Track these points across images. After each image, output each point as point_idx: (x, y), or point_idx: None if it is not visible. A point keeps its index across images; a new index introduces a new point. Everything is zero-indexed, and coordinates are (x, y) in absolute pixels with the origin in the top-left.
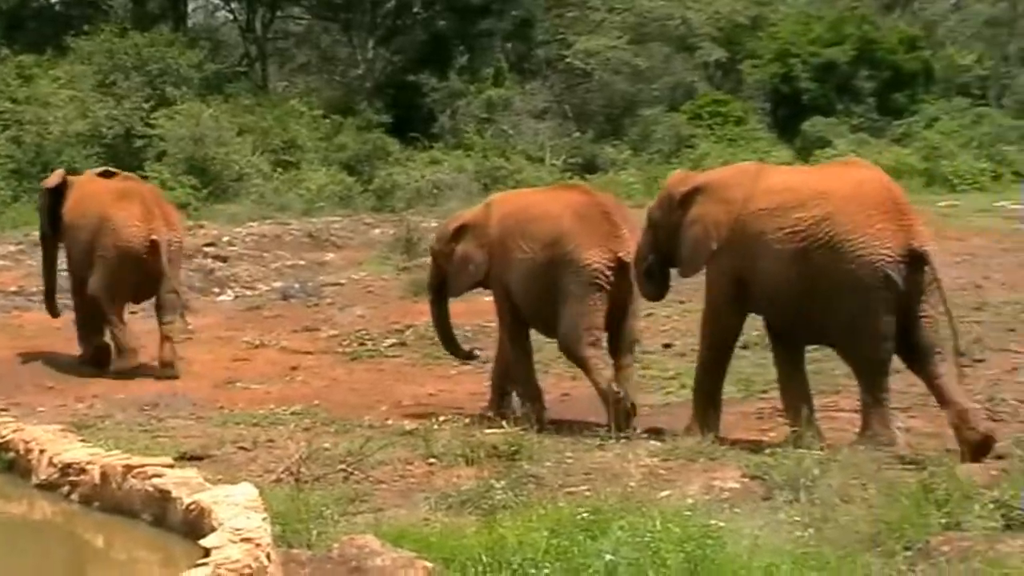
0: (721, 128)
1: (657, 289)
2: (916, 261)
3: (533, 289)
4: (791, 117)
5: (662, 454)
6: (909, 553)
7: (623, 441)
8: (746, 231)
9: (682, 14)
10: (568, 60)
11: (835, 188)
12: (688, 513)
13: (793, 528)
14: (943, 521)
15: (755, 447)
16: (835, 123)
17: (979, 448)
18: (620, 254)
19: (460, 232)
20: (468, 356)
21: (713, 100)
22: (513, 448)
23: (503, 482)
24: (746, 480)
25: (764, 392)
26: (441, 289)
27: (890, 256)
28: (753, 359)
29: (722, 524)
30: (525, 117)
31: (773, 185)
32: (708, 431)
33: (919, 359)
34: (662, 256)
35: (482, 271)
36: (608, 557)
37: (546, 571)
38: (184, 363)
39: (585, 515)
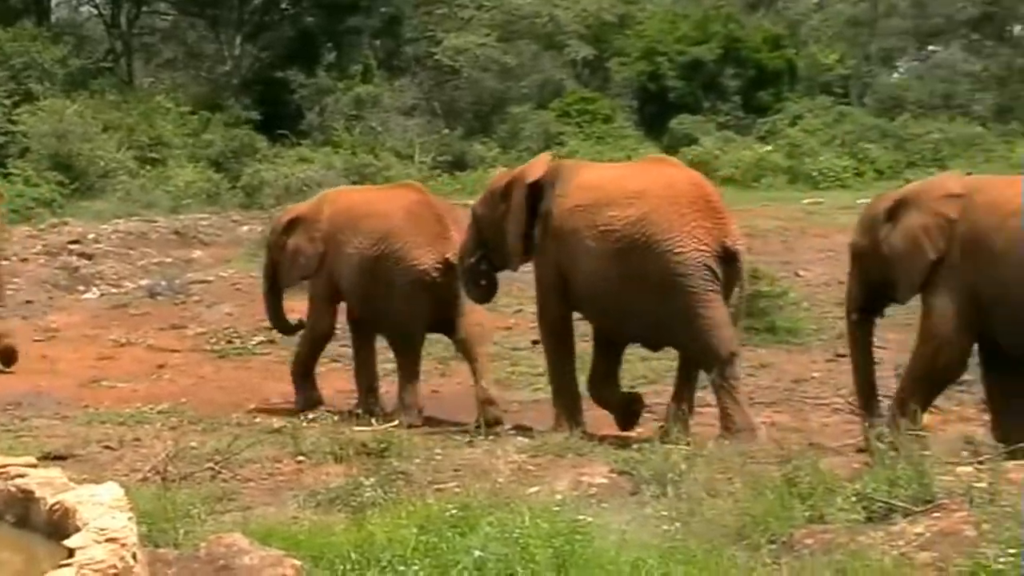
0: (589, 126)
1: (483, 292)
2: (730, 259)
3: (361, 284)
4: (658, 115)
5: (531, 450)
6: (774, 546)
7: (491, 438)
8: (563, 228)
9: (550, 12)
10: (437, 57)
11: (649, 187)
12: (556, 509)
13: (660, 522)
14: (807, 514)
15: (623, 443)
16: (701, 121)
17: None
18: (448, 255)
19: (292, 225)
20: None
21: (581, 98)
22: (382, 445)
23: (372, 479)
24: (614, 475)
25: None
26: (274, 279)
27: (708, 252)
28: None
29: (590, 519)
30: (394, 114)
31: (586, 182)
32: (575, 426)
33: None
34: (487, 253)
35: (313, 264)
36: (477, 553)
37: (415, 568)
38: (48, 362)
39: (454, 511)
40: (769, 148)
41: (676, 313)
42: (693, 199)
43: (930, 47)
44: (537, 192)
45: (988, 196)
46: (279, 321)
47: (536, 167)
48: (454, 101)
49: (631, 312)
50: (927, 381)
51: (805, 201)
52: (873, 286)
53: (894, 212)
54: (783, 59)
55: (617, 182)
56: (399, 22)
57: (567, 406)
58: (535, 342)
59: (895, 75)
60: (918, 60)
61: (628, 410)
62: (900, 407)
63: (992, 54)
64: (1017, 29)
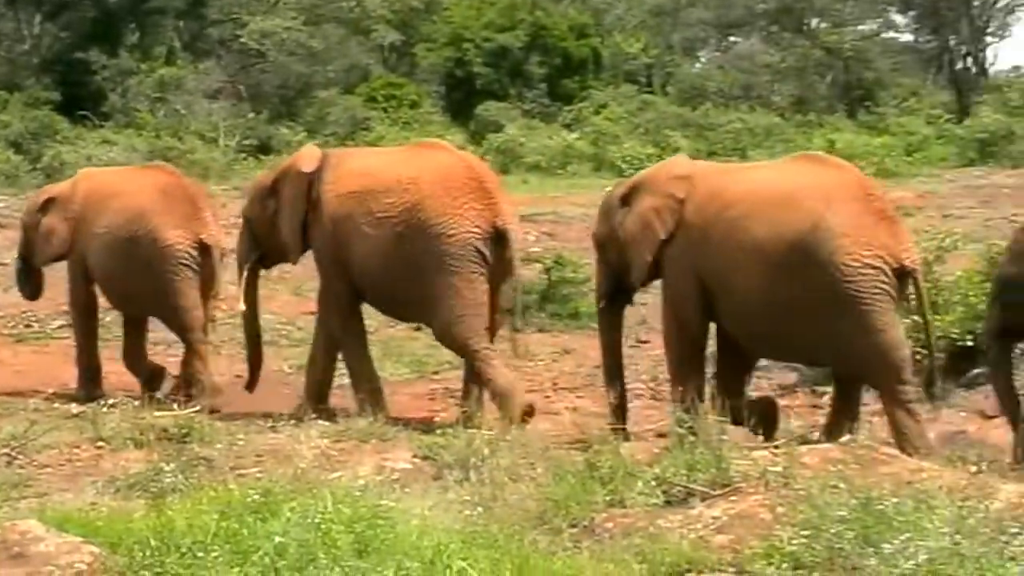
0: (396, 111)
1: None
2: (501, 238)
3: (111, 264)
4: (464, 101)
5: (334, 435)
6: (575, 530)
7: (295, 423)
8: (338, 215)
9: None
10: (242, 40)
11: (422, 173)
12: (359, 494)
13: (463, 507)
14: (607, 498)
15: (427, 428)
16: (507, 108)
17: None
18: (202, 236)
19: (47, 205)
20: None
21: (388, 83)
22: (184, 431)
23: (173, 465)
24: (417, 460)
25: (436, 373)
26: (28, 258)
27: (478, 233)
28: (426, 341)
29: (392, 504)
30: (198, 97)
31: (358, 169)
32: (379, 411)
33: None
34: (263, 253)
35: (65, 244)
36: (278, 539)
37: (215, 554)
38: None
39: (255, 497)
40: (575, 135)
41: (443, 292)
42: (465, 182)
43: (731, 38)
44: (311, 182)
45: (719, 179)
46: (30, 293)
47: (309, 158)
48: (260, 85)
49: (405, 293)
50: (685, 364)
51: (609, 188)
52: (615, 273)
53: (628, 198)
54: (588, 47)
55: (391, 168)
56: (204, 3)
57: (365, 391)
58: None
59: (697, 65)
60: (719, 51)
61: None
62: (680, 398)
63: (790, 46)
64: (814, 22)
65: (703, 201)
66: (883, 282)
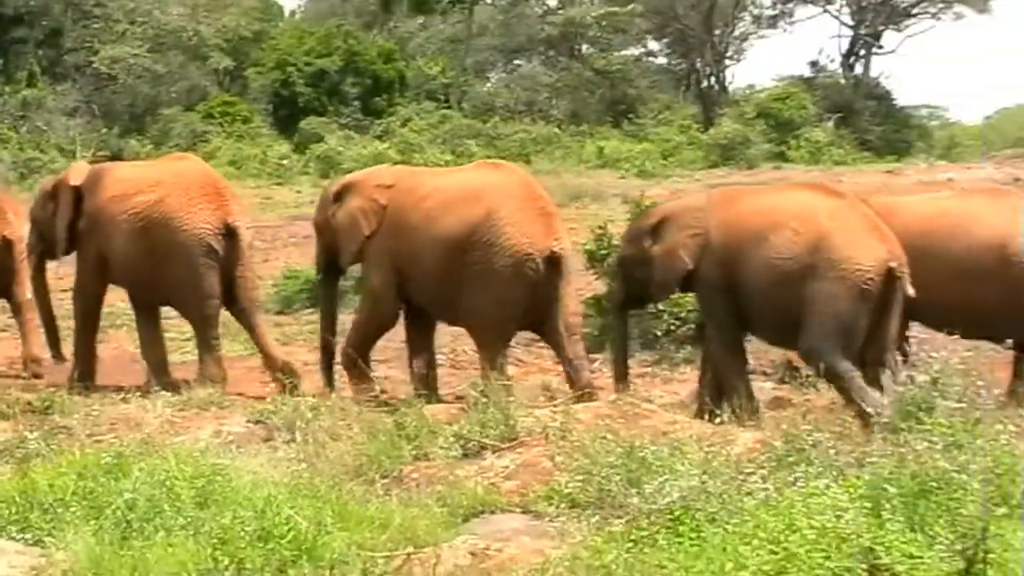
0: (230, 126)
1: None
2: (230, 233)
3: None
4: (289, 117)
5: (177, 405)
6: (386, 480)
7: (142, 395)
8: (102, 216)
9: (194, 27)
10: (95, 65)
11: (166, 178)
12: (199, 454)
13: (290, 464)
14: (413, 453)
15: (259, 397)
16: (327, 122)
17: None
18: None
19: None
20: None
21: (223, 101)
22: (46, 404)
23: (36, 434)
24: (250, 425)
25: None
26: None
27: (210, 229)
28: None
29: (228, 463)
30: (57, 115)
31: (119, 177)
32: (163, 377)
33: (240, 313)
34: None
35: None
36: (128, 495)
37: (73, 509)
38: None
39: (109, 460)
40: (384, 145)
41: (180, 278)
42: (200, 186)
43: (515, 61)
44: (79, 192)
45: (410, 183)
46: None
47: (78, 172)
48: (111, 104)
49: (152, 279)
50: (365, 333)
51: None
52: (328, 253)
53: (340, 195)
54: (395, 70)
55: (140, 175)
56: (60, 34)
57: (153, 367)
58: None
59: (487, 84)
60: (506, 72)
61: None
62: (345, 359)
63: (565, 68)
64: (585, 48)
65: (402, 200)
66: (532, 264)
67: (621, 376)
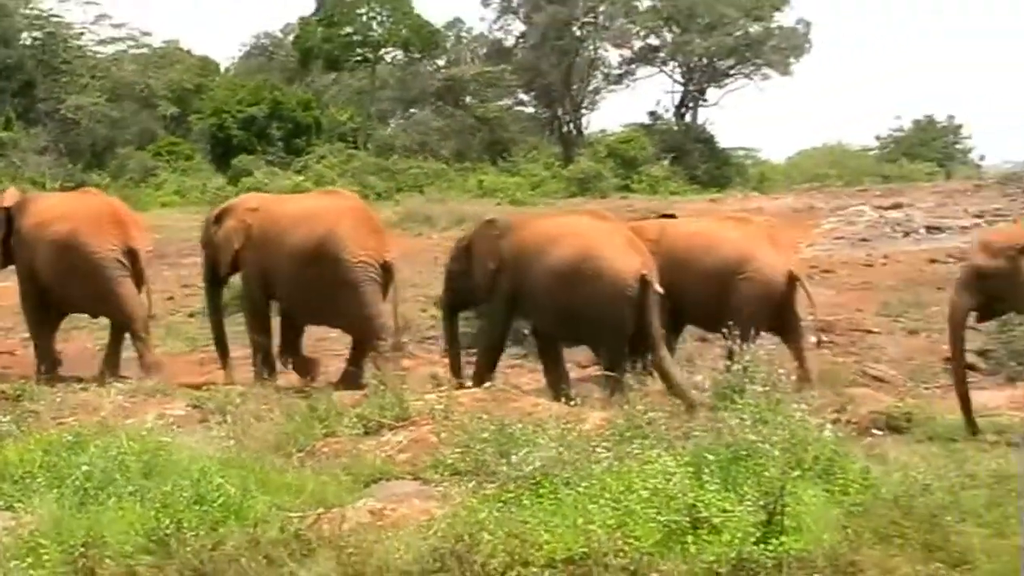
0: (176, 162)
1: None
2: (133, 255)
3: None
4: (224, 154)
5: (128, 392)
6: (301, 454)
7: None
8: (30, 237)
9: (145, 81)
10: (62, 112)
11: (80, 209)
12: (146, 433)
13: (222, 441)
14: (324, 431)
15: (196, 386)
16: (255, 159)
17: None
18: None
19: None
20: None
21: (170, 142)
22: (18, 392)
23: (8, 417)
24: (190, 409)
25: (205, 347)
26: None
27: (116, 249)
28: (199, 323)
29: (170, 440)
30: (30, 153)
31: (42, 207)
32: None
33: None
34: None
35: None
36: (85, 467)
37: (39, 479)
38: None
39: (70, 438)
40: (302, 178)
41: (94, 292)
42: (108, 214)
43: (411, 110)
44: (10, 214)
45: (271, 207)
46: None
47: (9, 197)
48: (76, 144)
49: (77, 291)
50: (251, 324)
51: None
52: (211, 266)
53: (219, 218)
54: (312, 117)
55: (60, 206)
56: (33, 86)
57: (50, 362)
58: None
59: (388, 128)
60: (403, 119)
61: None
62: (252, 344)
63: (451, 115)
64: (467, 99)
65: (263, 221)
66: (371, 272)
67: (455, 368)
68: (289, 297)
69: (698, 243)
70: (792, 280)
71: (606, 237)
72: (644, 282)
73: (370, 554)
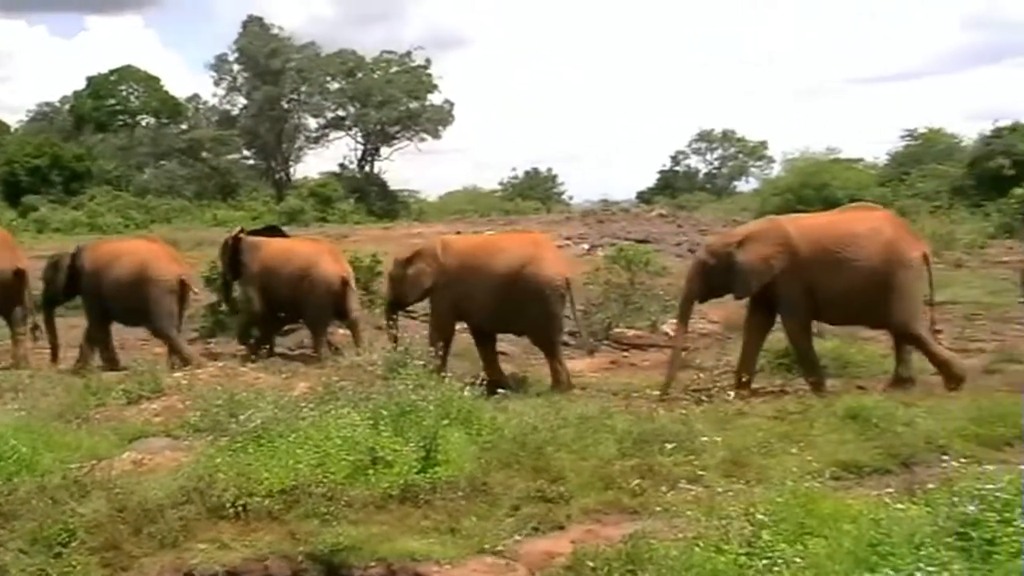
0: None
1: None
2: (20, 274)
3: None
4: (15, 195)
5: None
6: (80, 420)
7: None
8: None
9: None
10: None
11: None
12: None
13: (16, 412)
14: (96, 403)
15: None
16: (40, 198)
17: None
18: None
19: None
20: None
21: None
22: None
23: None
24: None
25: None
26: None
27: (9, 269)
28: None
29: None
30: None
31: None
32: None
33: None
34: None
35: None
36: None
37: None
38: None
39: None
40: (78, 213)
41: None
42: (3, 240)
43: (162, 161)
44: None
45: (99, 248)
46: None
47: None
48: None
49: None
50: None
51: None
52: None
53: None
54: (84, 166)
55: None
56: None
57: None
58: None
59: (144, 175)
60: (156, 168)
61: None
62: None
63: (192, 165)
64: (204, 154)
65: (95, 257)
66: (175, 288)
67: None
68: (119, 311)
69: (483, 252)
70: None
71: (322, 254)
72: (343, 284)
73: (133, 493)
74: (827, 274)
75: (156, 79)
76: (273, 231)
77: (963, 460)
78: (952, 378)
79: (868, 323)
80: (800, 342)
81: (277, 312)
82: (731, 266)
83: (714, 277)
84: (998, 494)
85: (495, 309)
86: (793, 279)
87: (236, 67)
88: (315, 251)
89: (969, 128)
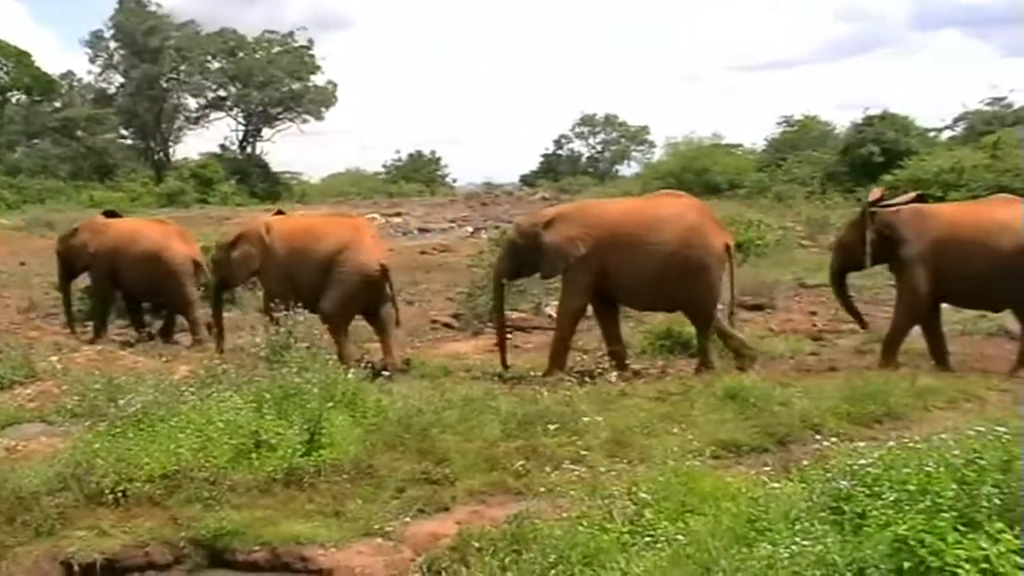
0: None
1: None
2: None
3: None
4: None
5: None
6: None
7: None
8: None
9: None
10: None
11: None
12: None
13: None
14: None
15: None
16: None
17: None
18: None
19: None
20: None
21: None
22: None
23: None
24: None
25: None
26: None
27: None
28: None
29: None
30: None
31: None
32: None
33: None
34: None
35: None
36: None
37: None
38: None
39: None
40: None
41: None
42: None
43: (34, 140)
44: None
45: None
46: None
47: None
48: None
49: None
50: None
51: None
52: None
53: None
54: None
55: None
56: None
57: None
58: None
59: (16, 154)
60: (29, 147)
61: None
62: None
63: (67, 145)
64: (80, 133)
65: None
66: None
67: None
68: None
69: (304, 235)
70: (384, 270)
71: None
72: (196, 264)
73: (6, 480)
74: (624, 257)
75: (27, 54)
76: (111, 215)
77: (835, 438)
78: (745, 359)
79: (664, 307)
80: (565, 328)
81: (131, 296)
82: (539, 247)
83: (522, 256)
84: (868, 470)
85: (317, 290)
86: (589, 261)
87: (112, 44)
88: (164, 233)
89: (842, 116)
